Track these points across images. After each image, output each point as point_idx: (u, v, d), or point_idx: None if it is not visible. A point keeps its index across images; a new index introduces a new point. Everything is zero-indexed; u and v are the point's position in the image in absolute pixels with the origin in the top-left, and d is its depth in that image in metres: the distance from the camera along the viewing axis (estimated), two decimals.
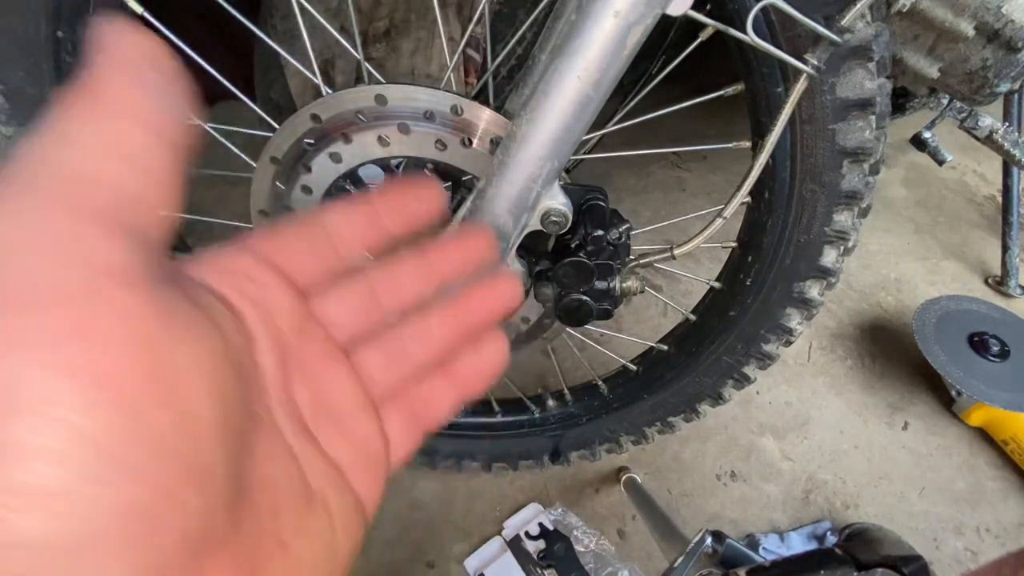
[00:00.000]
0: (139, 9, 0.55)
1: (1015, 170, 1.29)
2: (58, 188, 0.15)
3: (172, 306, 0.17)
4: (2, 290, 0.14)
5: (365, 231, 0.27)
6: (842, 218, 0.55)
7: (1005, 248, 1.33)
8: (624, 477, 0.96)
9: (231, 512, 0.19)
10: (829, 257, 0.58)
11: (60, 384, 0.14)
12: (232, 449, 0.19)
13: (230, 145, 0.65)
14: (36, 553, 0.14)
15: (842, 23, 0.42)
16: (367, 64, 0.57)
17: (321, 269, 0.25)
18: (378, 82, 0.53)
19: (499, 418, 0.90)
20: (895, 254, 1.43)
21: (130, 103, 0.17)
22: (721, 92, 0.56)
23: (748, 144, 0.58)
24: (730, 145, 0.59)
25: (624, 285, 0.53)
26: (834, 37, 0.43)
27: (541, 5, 0.56)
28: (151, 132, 0.17)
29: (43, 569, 0.14)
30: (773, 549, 0.90)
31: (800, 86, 0.45)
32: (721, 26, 0.46)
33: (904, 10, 0.47)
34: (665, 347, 0.77)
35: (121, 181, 0.16)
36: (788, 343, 0.67)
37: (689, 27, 0.48)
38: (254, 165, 0.56)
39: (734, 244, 0.66)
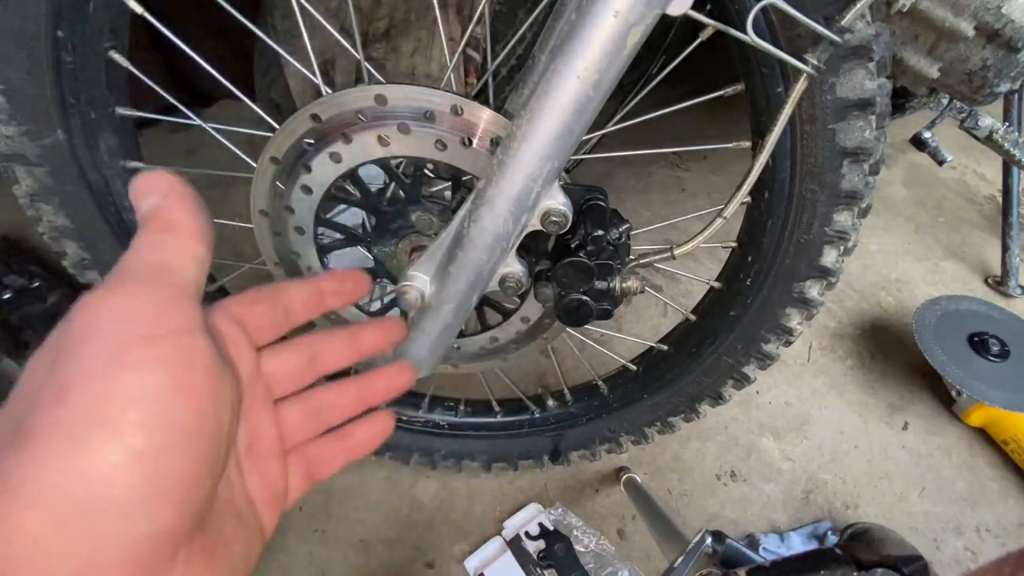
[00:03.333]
0: (139, 9, 0.55)
1: (1015, 170, 1.29)
2: (157, 275, 0.25)
3: (216, 346, 0.25)
4: (128, 329, 0.23)
5: (313, 305, 0.35)
6: (842, 218, 0.55)
7: (1005, 248, 1.33)
8: (624, 477, 0.96)
9: (206, 510, 0.25)
10: (829, 257, 0.58)
11: (153, 378, 0.22)
12: (226, 458, 0.26)
13: (230, 145, 0.65)
14: (116, 487, 0.21)
15: (842, 23, 0.42)
16: (367, 64, 0.57)
17: (274, 331, 0.33)
18: (378, 82, 0.53)
19: (499, 418, 0.90)
20: (895, 254, 1.43)
21: (189, 223, 0.26)
22: (721, 92, 0.56)
23: (748, 144, 0.58)
24: (730, 145, 0.59)
25: (624, 285, 0.53)
26: (834, 37, 0.43)
27: (541, 5, 0.56)
28: (200, 239, 0.27)
29: (115, 497, 0.21)
30: (773, 549, 0.90)
31: (800, 86, 0.45)
32: (721, 26, 0.46)
33: (904, 10, 0.47)
34: (665, 347, 0.77)
35: (189, 269, 0.26)
36: (788, 343, 0.67)
37: (689, 27, 0.48)
38: (254, 165, 0.56)
39: (734, 244, 0.66)
